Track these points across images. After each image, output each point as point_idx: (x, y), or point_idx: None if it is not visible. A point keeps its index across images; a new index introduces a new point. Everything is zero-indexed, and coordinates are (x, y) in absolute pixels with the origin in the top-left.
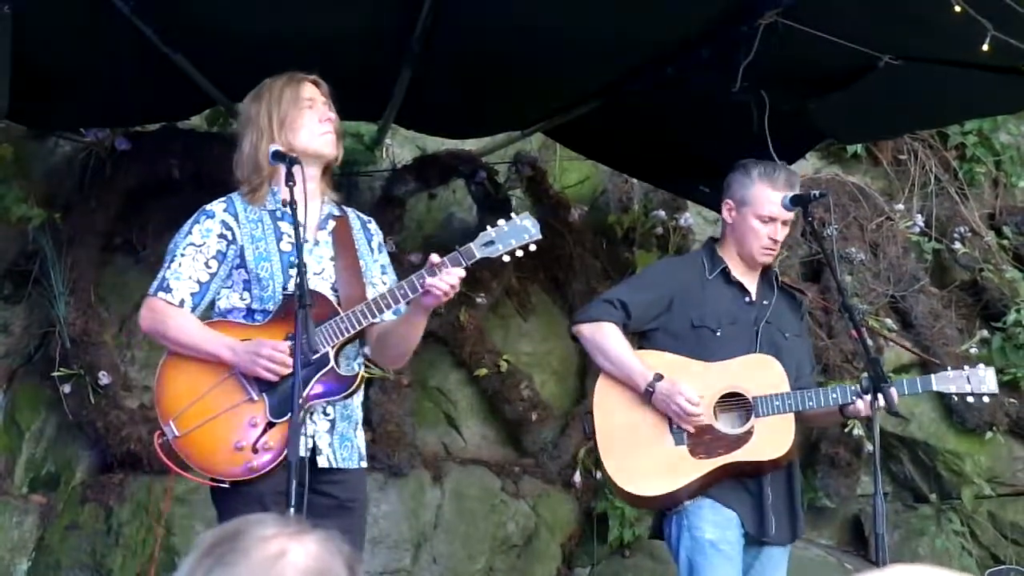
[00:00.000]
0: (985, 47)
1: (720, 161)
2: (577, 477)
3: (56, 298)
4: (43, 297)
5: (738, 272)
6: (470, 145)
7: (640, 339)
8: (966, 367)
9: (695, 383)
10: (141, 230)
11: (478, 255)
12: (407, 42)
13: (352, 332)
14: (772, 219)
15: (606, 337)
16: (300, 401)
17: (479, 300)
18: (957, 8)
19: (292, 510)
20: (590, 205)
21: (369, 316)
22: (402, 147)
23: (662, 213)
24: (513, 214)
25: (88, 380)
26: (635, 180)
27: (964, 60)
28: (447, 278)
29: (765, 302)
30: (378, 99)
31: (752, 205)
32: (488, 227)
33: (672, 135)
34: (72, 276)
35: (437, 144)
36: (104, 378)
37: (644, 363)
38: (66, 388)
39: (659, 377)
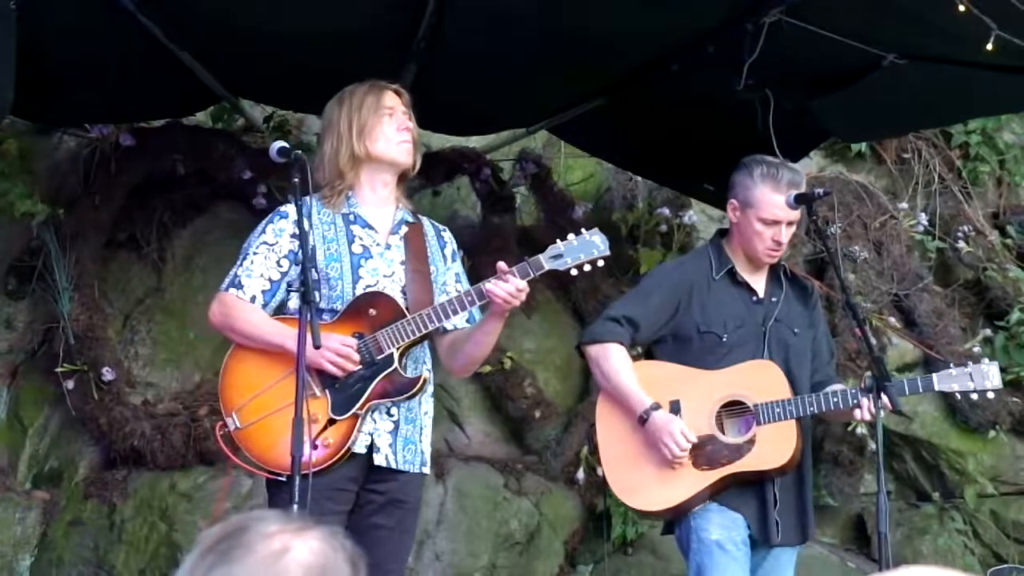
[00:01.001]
0: (989, 46)
1: (724, 159)
2: (580, 474)
3: (60, 294)
4: (47, 293)
5: (745, 271)
6: (474, 142)
7: (650, 344)
8: (969, 363)
9: (696, 392)
10: (145, 226)
11: (546, 267)
12: (412, 40)
13: (417, 335)
14: (776, 222)
15: (607, 359)
16: (364, 400)
17: None
18: (961, 7)
19: (295, 506)
20: (594, 203)
21: (435, 320)
22: None
23: (666, 211)
24: (583, 229)
25: (91, 376)
26: (639, 178)
27: (968, 59)
28: (505, 286)
29: (773, 299)
30: None
31: (755, 208)
32: (558, 240)
33: (676, 133)
34: (76, 272)
35: (442, 141)
36: (108, 374)
37: (647, 374)
38: (69, 384)
39: (656, 407)
